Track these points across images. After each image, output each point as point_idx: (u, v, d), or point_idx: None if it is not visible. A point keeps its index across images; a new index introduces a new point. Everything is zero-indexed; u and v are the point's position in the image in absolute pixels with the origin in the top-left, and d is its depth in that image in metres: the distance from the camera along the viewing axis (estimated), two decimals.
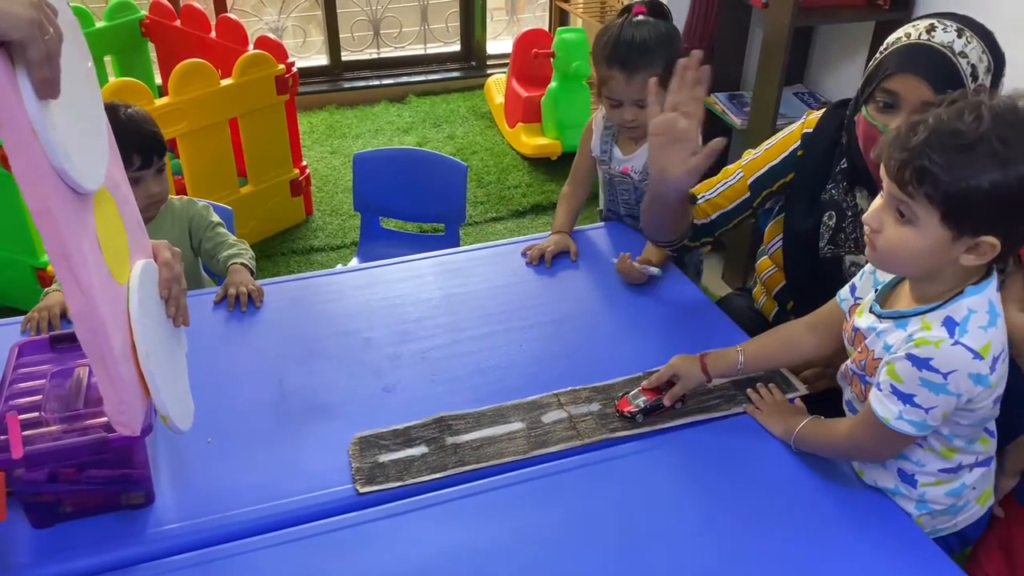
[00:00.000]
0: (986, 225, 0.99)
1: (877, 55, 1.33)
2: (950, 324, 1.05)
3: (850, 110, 1.42)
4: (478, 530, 1.14)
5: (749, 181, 1.57)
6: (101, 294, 0.95)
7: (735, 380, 1.40)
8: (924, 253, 1.03)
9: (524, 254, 1.77)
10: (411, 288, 1.66)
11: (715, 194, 1.58)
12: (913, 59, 1.27)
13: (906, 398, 1.07)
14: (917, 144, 0.99)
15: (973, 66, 1.25)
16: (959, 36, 1.25)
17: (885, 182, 1.05)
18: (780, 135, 1.57)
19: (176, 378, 1.14)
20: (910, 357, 1.05)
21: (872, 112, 1.32)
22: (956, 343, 1.03)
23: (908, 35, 1.29)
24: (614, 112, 1.73)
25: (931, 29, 1.27)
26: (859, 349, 1.16)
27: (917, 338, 1.05)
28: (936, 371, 1.03)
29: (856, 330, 1.18)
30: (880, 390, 1.10)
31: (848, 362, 1.20)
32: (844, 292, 1.28)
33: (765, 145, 1.58)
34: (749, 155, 1.60)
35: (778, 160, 1.55)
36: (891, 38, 1.32)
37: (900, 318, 1.10)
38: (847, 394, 1.25)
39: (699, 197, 1.58)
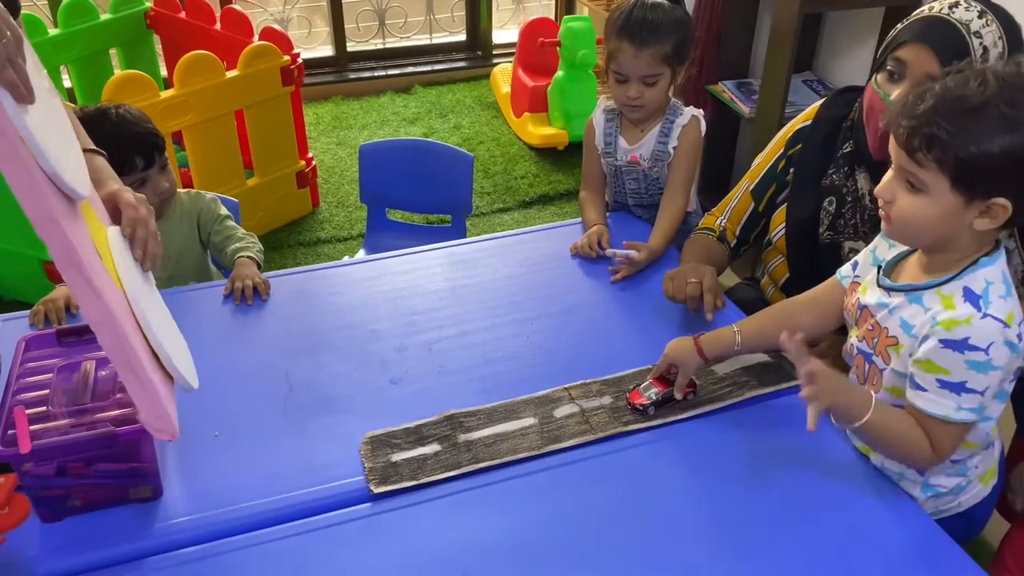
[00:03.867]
0: (996, 187, 1.00)
1: (898, 25, 1.34)
2: (972, 297, 1.04)
3: (868, 80, 1.41)
4: (489, 521, 1.14)
5: (751, 189, 1.65)
6: (113, 299, 0.94)
7: (746, 366, 1.39)
8: (937, 220, 1.04)
9: (574, 255, 1.74)
10: (418, 280, 1.65)
11: (729, 213, 1.69)
12: (927, 30, 1.27)
13: (957, 387, 1.05)
14: (925, 111, 1.00)
15: (985, 48, 1.24)
16: (980, 17, 1.25)
17: (894, 153, 1.05)
18: (773, 141, 1.63)
19: (175, 340, 1.12)
20: (946, 343, 1.04)
21: (880, 81, 1.33)
22: (985, 315, 1.03)
23: (931, 8, 1.30)
24: (619, 89, 1.72)
25: (954, 5, 1.27)
26: (869, 326, 1.15)
27: (943, 320, 1.04)
28: (977, 348, 1.03)
29: (863, 307, 1.17)
30: (925, 390, 1.07)
31: (852, 340, 1.20)
32: (845, 269, 1.28)
33: (765, 150, 1.65)
34: (755, 161, 1.67)
35: (769, 166, 1.63)
36: (916, 11, 1.32)
37: (912, 291, 1.10)
38: (850, 375, 1.23)
39: (722, 217, 1.70)
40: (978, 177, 0.99)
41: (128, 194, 1.14)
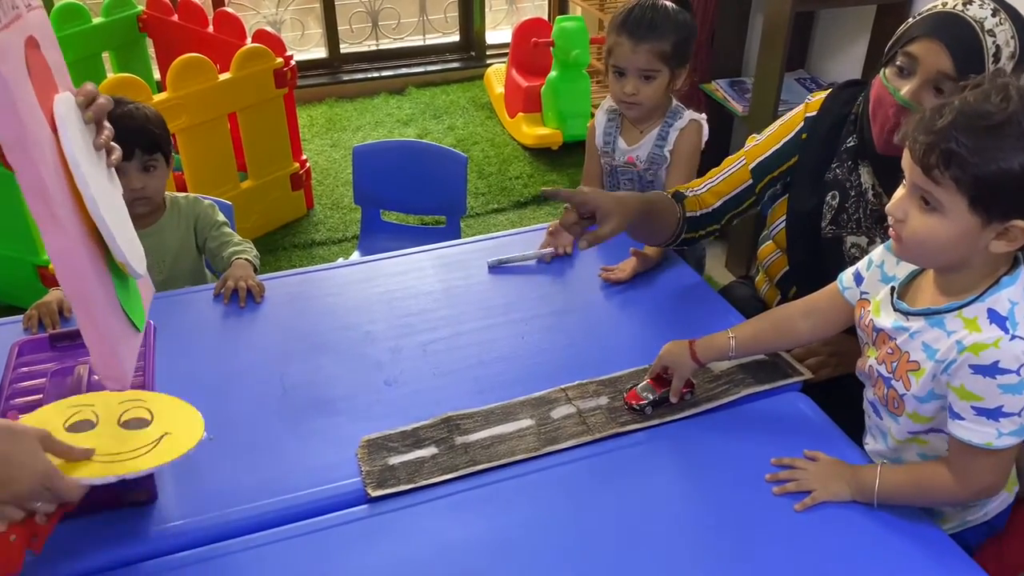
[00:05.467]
0: (1016, 209, 0.96)
1: (908, 20, 1.33)
2: (998, 319, 1.01)
3: (876, 73, 1.40)
4: (487, 523, 1.13)
5: (751, 167, 1.56)
6: (79, 234, 0.92)
7: (741, 363, 1.39)
8: (953, 242, 1.00)
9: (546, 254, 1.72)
10: (412, 281, 1.65)
11: (717, 182, 1.58)
12: (940, 25, 1.26)
13: (994, 413, 1.01)
14: (943, 126, 0.96)
15: (998, 47, 1.23)
16: (993, 15, 1.24)
17: (908, 170, 1.01)
18: (783, 119, 1.57)
19: (123, 222, 1.07)
20: (976, 369, 1.00)
21: (889, 75, 1.32)
22: (1014, 337, 0.99)
23: (944, 3, 1.28)
24: (617, 84, 1.72)
25: (968, 2, 1.26)
26: (888, 350, 1.11)
27: (971, 344, 1.00)
28: (1008, 371, 0.99)
29: (880, 330, 1.13)
30: (963, 418, 1.03)
31: (872, 361, 1.15)
32: (847, 279, 1.24)
33: (768, 130, 1.58)
34: (752, 141, 1.59)
35: (780, 144, 1.54)
36: (927, 6, 1.31)
37: (932, 315, 1.06)
38: (869, 394, 1.20)
39: (700, 187, 1.58)
40: (997, 198, 0.95)
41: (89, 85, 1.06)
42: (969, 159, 0.94)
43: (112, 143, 1.08)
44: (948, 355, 1.03)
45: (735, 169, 1.58)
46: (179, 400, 1.12)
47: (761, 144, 1.57)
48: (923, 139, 0.98)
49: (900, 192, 1.04)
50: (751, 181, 1.56)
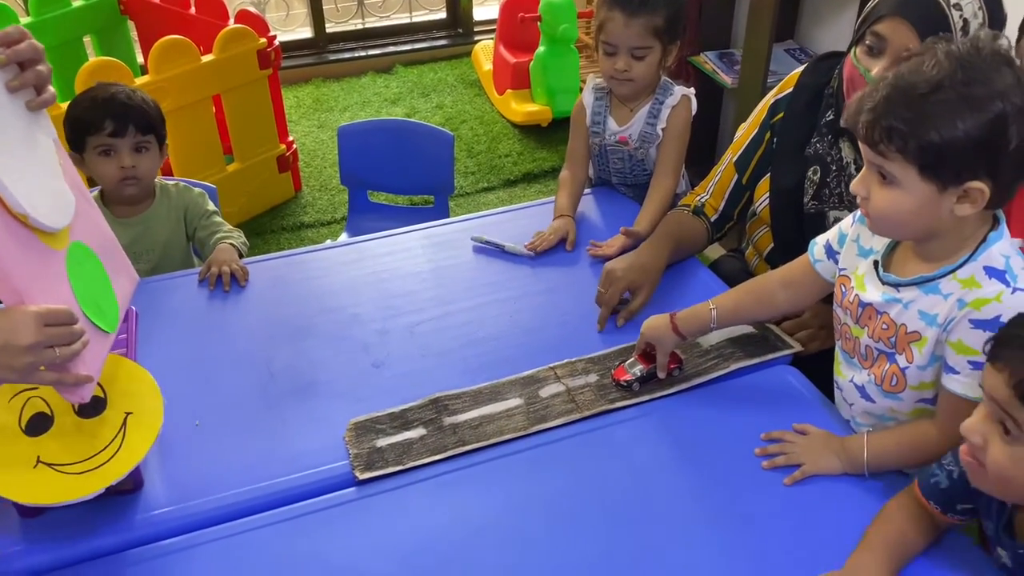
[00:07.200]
0: (967, 171, 0.96)
1: None
2: (997, 274, 1.01)
3: (846, 53, 1.40)
4: (476, 502, 1.13)
5: (734, 161, 1.61)
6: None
7: (731, 337, 1.39)
8: (915, 212, 1.01)
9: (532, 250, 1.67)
10: (399, 262, 1.64)
11: (714, 186, 1.64)
12: (905, 3, 1.25)
13: None
14: (879, 102, 0.98)
15: (966, 20, 1.22)
16: None
17: (862, 147, 1.03)
18: (754, 111, 1.60)
19: (34, 167, 0.98)
20: (977, 323, 1.01)
21: (859, 54, 1.31)
22: (1016, 290, 1.00)
23: None
24: (608, 61, 1.68)
25: None
26: (882, 325, 1.10)
27: (972, 300, 1.01)
28: None
29: (866, 305, 1.12)
30: (958, 372, 1.04)
31: (866, 340, 1.14)
32: (818, 252, 1.24)
33: (746, 123, 1.62)
34: (739, 131, 1.63)
35: (752, 136, 1.59)
36: None
37: (926, 283, 1.06)
38: (861, 377, 1.17)
39: (705, 193, 1.65)
40: (945, 162, 0.96)
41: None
42: (908, 130, 0.95)
43: (50, 87, 1.02)
44: (949, 315, 1.03)
45: (724, 170, 1.63)
46: (117, 356, 1.09)
47: (740, 138, 1.61)
48: (864, 117, 0.99)
49: (863, 170, 1.06)
50: (737, 176, 1.61)
